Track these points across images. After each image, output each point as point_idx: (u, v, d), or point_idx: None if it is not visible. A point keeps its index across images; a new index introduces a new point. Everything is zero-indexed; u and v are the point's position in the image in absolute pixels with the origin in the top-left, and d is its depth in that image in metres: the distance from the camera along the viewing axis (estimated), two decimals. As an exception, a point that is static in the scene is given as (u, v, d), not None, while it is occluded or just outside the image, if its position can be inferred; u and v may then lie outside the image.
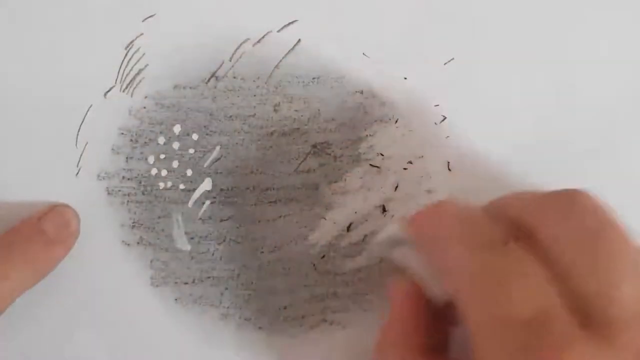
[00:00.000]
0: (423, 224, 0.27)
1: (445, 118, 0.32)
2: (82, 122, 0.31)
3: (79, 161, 0.31)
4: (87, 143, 0.31)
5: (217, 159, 0.32)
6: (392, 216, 0.32)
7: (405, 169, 0.32)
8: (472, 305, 0.24)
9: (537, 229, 0.24)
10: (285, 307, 0.32)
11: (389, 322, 0.28)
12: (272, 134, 0.32)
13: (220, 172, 0.32)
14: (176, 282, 0.31)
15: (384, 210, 0.32)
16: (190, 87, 0.31)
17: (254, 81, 0.31)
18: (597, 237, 0.23)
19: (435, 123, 0.32)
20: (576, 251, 0.23)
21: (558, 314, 0.22)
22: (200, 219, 0.31)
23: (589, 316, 0.22)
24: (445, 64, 0.32)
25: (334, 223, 0.32)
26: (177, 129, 0.31)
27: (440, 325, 0.28)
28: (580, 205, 0.24)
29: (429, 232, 0.27)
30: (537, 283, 0.23)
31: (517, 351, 0.22)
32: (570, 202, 0.25)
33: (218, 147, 0.31)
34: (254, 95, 0.31)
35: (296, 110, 0.32)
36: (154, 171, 0.31)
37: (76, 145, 0.31)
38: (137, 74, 0.31)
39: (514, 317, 0.22)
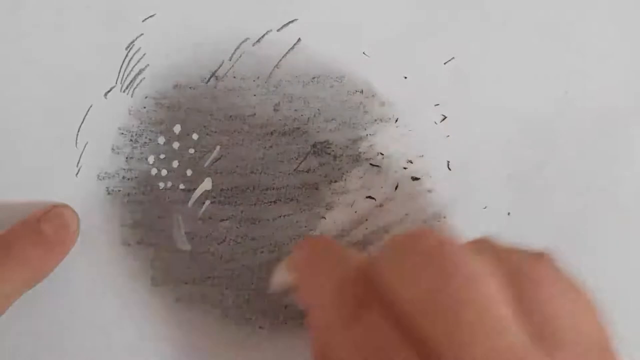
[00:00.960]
0: (298, 272, 0.27)
1: (445, 118, 0.32)
2: (82, 122, 0.31)
3: (79, 161, 0.31)
4: (87, 143, 0.31)
5: (217, 159, 0.31)
6: (397, 220, 0.32)
7: (405, 168, 0.32)
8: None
9: (385, 290, 0.23)
10: (285, 307, 0.32)
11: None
12: (272, 133, 0.32)
13: (220, 172, 0.31)
14: (177, 282, 0.31)
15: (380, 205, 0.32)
16: (190, 87, 0.31)
17: (254, 81, 0.31)
18: (437, 293, 0.21)
19: (435, 123, 0.32)
20: (420, 312, 0.21)
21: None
22: (200, 218, 0.31)
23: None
24: (445, 63, 0.32)
25: (334, 223, 0.32)
26: (177, 128, 0.31)
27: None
28: (418, 253, 0.23)
29: (303, 282, 0.27)
30: (392, 350, 0.21)
31: None
32: (408, 249, 0.23)
33: (218, 147, 0.31)
34: (254, 95, 0.31)
35: (296, 110, 0.32)
36: (154, 171, 0.31)
37: (76, 145, 0.31)
38: (138, 74, 0.31)
39: None
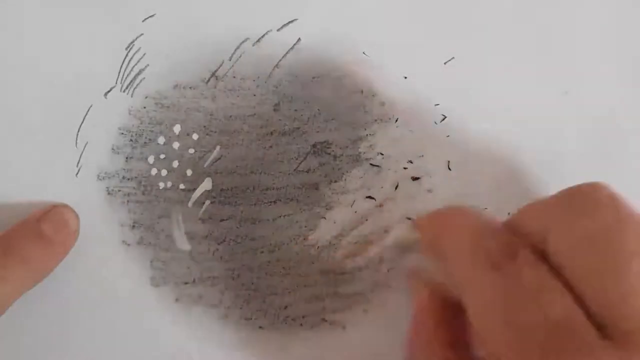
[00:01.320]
0: (430, 230, 0.27)
1: (445, 118, 0.32)
2: (82, 122, 0.31)
3: (79, 161, 0.31)
4: (87, 143, 0.31)
5: (217, 159, 0.31)
6: (408, 219, 0.32)
7: (405, 168, 0.32)
8: (486, 326, 0.23)
9: (547, 237, 0.23)
10: (285, 307, 0.32)
11: (417, 320, 0.27)
12: (272, 133, 0.32)
13: (220, 172, 0.31)
14: (176, 282, 0.31)
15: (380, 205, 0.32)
16: (190, 87, 0.31)
17: (253, 81, 0.31)
18: (609, 239, 0.22)
19: (435, 123, 0.32)
20: (586, 258, 0.22)
21: (577, 322, 0.21)
22: (200, 218, 0.31)
23: (606, 326, 0.21)
24: (445, 63, 0.32)
25: (334, 223, 0.32)
26: (177, 128, 0.31)
27: (463, 322, 0.27)
28: (591, 202, 0.23)
29: (437, 240, 0.26)
30: (552, 295, 0.22)
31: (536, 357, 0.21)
32: (580, 200, 0.23)
33: (218, 147, 0.31)
34: (254, 95, 0.31)
35: (296, 110, 0.32)
36: (154, 171, 0.31)
37: (76, 145, 0.31)
38: (138, 74, 0.31)
39: (530, 336, 0.21)
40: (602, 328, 0.21)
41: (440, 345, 0.26)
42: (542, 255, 0.23)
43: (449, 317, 0.27)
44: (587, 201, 0.23)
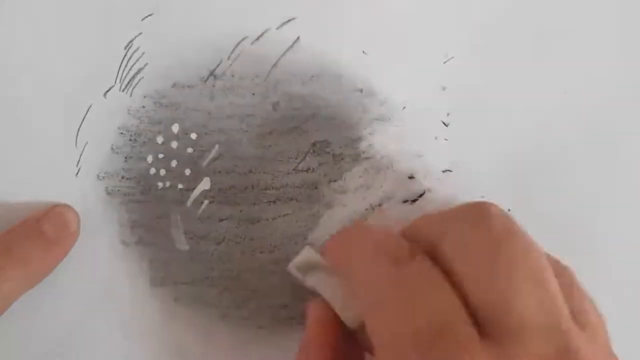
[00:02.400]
0: (336, 248, 0.28)
1: (445, 117, 0.32)
2: (82, 122, 0.31)
3: (78, 161, 0.31)
4: (86, 143, 0.31)
5: (215, 158, 0.31)
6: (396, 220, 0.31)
7: (405, 168, 0.32)
8: (377, 320, 0.24)
9: (442, 240, 0.24)
10: (285, 307, 0.31)
11: (305, 346, 0.28)
12: (271, 132, 0.31)
13: (219, 172, 0.31)
14: (175, 282, 0.31)
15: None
16: (189, 86, 0.31)
17: (252, 79, 0.31)
18: (498, 245, 0.23)
19: (436, 123, 0.32)
20: (476, 260, 0.23)
21: (458, 325, 0.22)
22: (199, 218, 0.31)
23: (488, 326, 0.22)
24: (445, 62, 0.32)
25: (334, 222, 0.32)
26: (175, 128, 0.31)
27: (355, 351, 0.28)
28: (484, 215, 0.24)
29: (342, 254, 0.27)
30: (439, 295, 0.23)
31: None
32: (475, 212, 0.25)
33: (217, 146, 0.31)
34: (253, 94, 0.31)
35: (295, 109, 0.31)
36: (152, 171, 0.31)
37: (76, 145, 0.31)
38: (137, 73, 0.31)
39: (414, 330, 0.22)
40: (484, 329, 0.22)
41: None
42: (434, 261, 0.24)
43: (339, 344, 0.27)
44: (481, 213, 0.24)
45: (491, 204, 0.25)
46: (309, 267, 0.29)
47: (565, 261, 0.26)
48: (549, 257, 0.25)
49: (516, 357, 0.21)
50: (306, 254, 0.29)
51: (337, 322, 0.27)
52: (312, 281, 0.29)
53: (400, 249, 0.25)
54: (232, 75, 0.31)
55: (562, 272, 0.25)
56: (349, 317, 0.27)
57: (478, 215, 0.24)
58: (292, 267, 0.30)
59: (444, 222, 0.25)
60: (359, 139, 0.32)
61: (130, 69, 0.31)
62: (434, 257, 0.24)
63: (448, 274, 0.23)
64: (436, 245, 0.24)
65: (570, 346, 0.22)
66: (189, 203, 0.31)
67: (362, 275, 0.25)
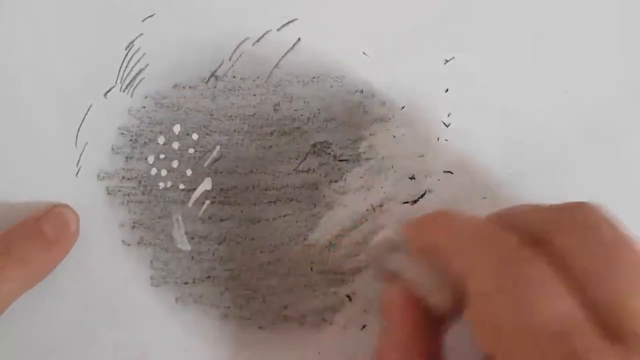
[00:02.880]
0: (424, 231, 0.27)
1: (445, 117, 0.32)
2: (82, 122, 0.31)
3: (79, 161, 0.31)
4: (87, 143, 0.31)
5: (217, 159, 0.31)
6: (396, 220, 0.31)
7: (405, 167, 0.32)
8: (490, 314, 0.23)
9: (553, 238, 0.24)
10: (285, 307, 0.32)
11: (388, 331, 0.27)
12: (272, 133, 0.32)
13: (220, 172, 0.31)
14: (176, 282, 0.31)
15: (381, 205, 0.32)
16: (190, 87, 0.31)
17: (253, 80, 0.31)
18: (615, 247, 0.23)
19: (436, 123, 0.32)
20: (594, 261, 0.23)
21: (581, 325, 0.21)
22: (200, 218, 0.31)
23: (610, 327, 0.21)
24: (445, 62, 0.32)
25: (334, 223, 0.32)
26: (176, 128, 0.31)
27: (435, 333, 0.27)
28: (595, 217, 0.24)
29: (431, 239, 0.26)
30: (559, 292, 0.22)
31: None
32: (584, 213, 0.24)
33: (218, 147, 0.31)
34: (254, 95, 0.31)
35: (296, 110, 0.32)
36: (153, 171, 0.31)
37: (76, 145, 0.31)
38: (137, 74, 0.31)
39: (537, 328, 0.22)
40: (607, 330, 0.21)
41: (411, 354, 0.26)
42: (542, 254, 0.23)
43: (422, 326, 0.27)
44: (589, 216, 0.24)
45: (596, 208, 0.25)
46: (389, 248, 0.28)
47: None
48: None
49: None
50: (387, 234, 0.29)
51: (417, 304, 0.26)
52: (394, 263, 0.28)
53: (507, 241, 0.24)
54: (233, 76, 0.31)
55: None
56: (437, 301, 0.26)
57: (585, 220, 0.24)
58: (371, 247, 0.29)
59: (550, 222, 0.24)
60: (360, 139, 0.32)
61: (131, 70, 0.31)
62: (541, 251, 0.23)
63: (560, 271, 0.23)
64: (545, 241, 0.24)
65: None
66: (190, 203, 0.31)
67: (466, 264, 0.24)
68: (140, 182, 0.31)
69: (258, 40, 0.31)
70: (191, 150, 0.31)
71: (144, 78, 0.31)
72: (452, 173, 0.32)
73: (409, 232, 0.28)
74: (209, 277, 0.31)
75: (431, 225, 0.27)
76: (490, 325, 0.23)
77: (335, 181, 0.32)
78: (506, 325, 0.22)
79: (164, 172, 0.31)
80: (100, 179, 0.31)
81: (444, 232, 0.26)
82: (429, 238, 0.27)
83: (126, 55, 0.31)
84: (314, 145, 0.32)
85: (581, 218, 0.24)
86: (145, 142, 0.31)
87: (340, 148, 0.32)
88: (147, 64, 0.31)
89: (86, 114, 0.31)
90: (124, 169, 0.31)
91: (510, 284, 0.23)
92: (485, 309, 0.23)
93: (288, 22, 0.31)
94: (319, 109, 0.32)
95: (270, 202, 0.32)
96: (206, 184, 0.31)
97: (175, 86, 0.31)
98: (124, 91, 0.31)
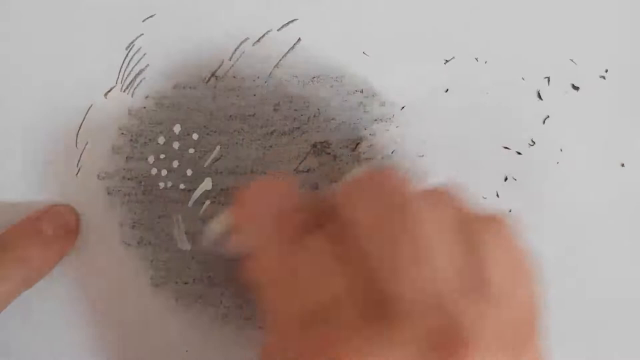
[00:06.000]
0: (241, 208, 0.27)
1: (445, 118, 0.32)
2: (82, 122, 0.31)
3: (79, 161, 0.31)
4: (87, 143, 0.31)
5: (217, 159, 0.31)
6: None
7: (405, 168, 0.32)
8: (267, 298, 0.24)
9: (343, 214, 0.23)
10: (285, 307, 0.31)
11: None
12: (272, 133, 0.32)
13: (221, 172, 0.31)
14: (176, 282, 0.31)
15: None
16: (190, 87, 0.31)
17: (253, 80, 0.31)
18: (390, 219, 0.22)
19: (436, 123, 0.32)
20: (370, 236, 0.22)
21: (344, 308, 0.21)
22: (200, 218, 0.31)
23: (374, 306, 0.21)
24: (445, 62, 0.32)
25: (334, 223, 0.32)
26: (177, 128, 0.31)
27: None
28: (381, 187, 0.23)
29: (246, 217, 0.26)
30: (328, 277, 0.22)
31: (299, 347, 0.22)
32: (378, 182, 0.24)
33: (218, 147, 0.31)
34: (254, 95, 0.31)
35: (296, 110, 0.32)
36: (154, 171, 0.31)
37: (76, 145, 0.31)
38: (138, 74, 0.31)
39: (299, 312, 0.22)
40: (370, 310, 0.21)
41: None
42: (335, 232, 0.23)
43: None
44: (381, 185, 0.24)
45: (391, 175, 0.24)
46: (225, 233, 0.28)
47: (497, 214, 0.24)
48: (466, 219, 0.23)
49: (396, 341, 0.20)
50: (215, 225, 0.29)
51: None
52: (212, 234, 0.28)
53: (299, 221, 0.24)
54: (234, 76, 0.31)
55: (474, 237, 0.23)
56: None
57: (377, 190, 0.23)
58: (209, 231, 0.29)
59: (346, 194, 0.24)
60: (360, 139, 0.32)
61: (131, 70, 0.31)
62: (336, 229, 0.23)
63: (343, 251, 0.22)
64: (337, 217, 0.23)
65: (459, 323, 0.20)
66: (190, 203, 0.31)
67: (261, 238, 0.25)
68: (140, 182, 0.31)
69: (258, 40, 0.31)
70: (191, 150, 0.31)
71: (144, 78, 0.31)
72: (452, 172, 0.32)
73: (233, 213, 0.27)
74: (209, 277, 0.31)
75: (245, 201, 0.27)
76: (270, 312, 0.24)
77: (335, 181, 0.32)
78: (276, 312, 0.23)
79: (164, 172, 0.31)
80: (100, 179, 0.31)
81: (249, 207, 0.26)
82: (244, 216, 0.26)
83: (127, 55, 0.31)
84: (314, 145, 0.32)
85: (375, 188, 0.24)
86: (145, 142, 0.31)
87: (340, 148, 0.32)
88: (148, 64, 0.31)
89: (86, 114, 0.31)
90: (124, 169, 0.31)
91: (286, 272, 0.23)
92: (269, 290, 0.24)
93: (288, 22, 0.31)
94: (319, 109, 0.32)
95: (271, 202, 0.32)
96: (206, 184, 0.31)
97: (175, 86, 0.31)
98: (124, 91, 0.31)
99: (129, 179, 0.31)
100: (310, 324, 0.22)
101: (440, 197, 0.24)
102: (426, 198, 0.23)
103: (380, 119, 0.32)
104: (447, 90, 0.32)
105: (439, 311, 0.21)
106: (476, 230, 0.23)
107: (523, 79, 0.32)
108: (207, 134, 0.31)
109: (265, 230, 0.25)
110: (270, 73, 0.31)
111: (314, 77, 0.32)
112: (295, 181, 0.27)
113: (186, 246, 0.31)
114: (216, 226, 0.29)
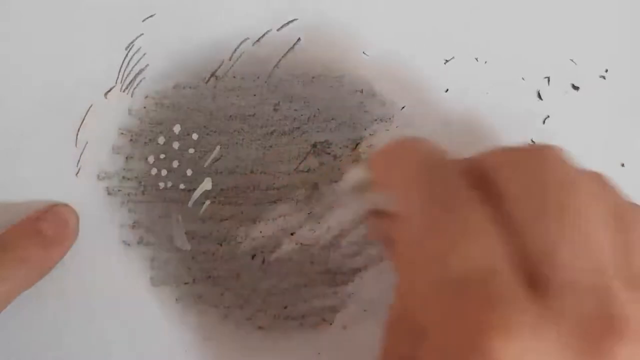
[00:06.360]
0: (381, 165, 0.26)
1: (445, 118, 0.32)
2: (82, 122, 0.31)
3: (79, 161, 0.31)
4: (87, 143, 0.31)
5: (217, 159, 0.31)
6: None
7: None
8: (412, 260, 0.22)
9: (500, 184, 0.23)
10: (285, 307, 0.31)
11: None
12: (272, 133, 0.32)
13: (221, 172, 0.31)
14: (176, 282, 0.31)
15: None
16: (190, 87, 0.31)
17: (253, 80, 0.31)
18: (555, 194, 0.22)
19: (436, 124, 0.32)
20: (531, 208, 0.22)
21: (502, 274, 0.21)
22: (200, 218, 0.31)
23: (536, 277, 0.21)
24: (445, 62, 0.32)
25: (334, 223, 0.32)
26: (177, 128, 0.31)
27: None
28: (546, 161, 0.23)
29: (387, 174, 0.26)
30: (485, 241, 0.21)
31: (452, 310, 0.21)
32: (537, 157, 0.23)
33: (218, 147, 0.31)
34: (254, 95, 0.31)
35: (296, 110, 0.32)
36: (154, 171, 0.31)
37: (76, 145, 0.31)
38: (138, 74, 0.31)
39: (452, 275, 0.21)
40: (531, 280, 0.21)
41: None
42: (489, 200, 0.23)
43: None
44: (540, 160, 0.23)
45: (551, 151, 0.23)
46: (362, 187, 0.28)
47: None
48: (622, 207, 0.23)
49: (557, 314, 0.20)
50: (356, 174, 0.28)
51: None
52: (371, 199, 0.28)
53: (450, 184, 0.23)
54: (234, 76, 0.31)
55: (631, 226, 0.23)
56: None
57: (535, 164, 0.23)
58: (342, 189, 0.29)
59: (503, 166, 0.23)
60: (360, 139, 0.32)
61: (131, 70, 0.31)
62: (491, 197, 0.22)
63: (501, 219, 0.22)
64: (494, 184, 0.23)
65: (614, 310, 0.20)
66: (190, 203, 0.31)
67: (405, 204, 0.24)
68: (140, 182, 0.31)
69: (258, 40, 0.31)
70: (191, 150, 0.31)
71: (144, 78, 0.31)
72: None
73: (371, 168, 0.26)
74: (209, 277, 0.31)
75: (387, 159, 0.26)
76: (410, 273, 0.22)
77: (336, 181, 0.32)
78: (424, 274, 0.22)
79: (164, 172, 0.31)
80: (100, 179, 0.31)
81: (396, 168, 0.25)
82: (384, 174, 0.26)
83: (126, 55, 0.31)
84: (314, 145, 0.32)
85: (533, 162, 0.23)
86: (145, 142, 0.31)
87: (340, 148, 0.32)
88: (148, 64, 0.31)
89: (86, 114, 0.31)
90: (124, 169, 0.31)
91: (435, 232, 0.22)
92: (408, 254, 0.23)
93: (288, 22, 0.31)
94: (319, 109, 0.32)
95: (271, 202, 0.32)
96: (206, 184, 0.31)
97: (175, 86, 0.31)
98: (124, 91, 0.31)
99: (129, 179, 0.31)
100: (465, 291, 0.21)
101: (603, 181, 0.24)
102: (592, 180, 0.23)
103: (380, 119, 0.32)
104: (447, 90, 0.32)
105: (595, 296, 0.20)
106: (632, 219, 0.23)
107: (523, 79, 0.32)
108: (207, 134, 0.31)
109: (410, 190, 0.24)
110: (270, 73, 0.31)
111: (314, 77, 0.32)
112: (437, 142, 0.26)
113: (186, 246, 0.31)
114: (355, 175, 0.28)
